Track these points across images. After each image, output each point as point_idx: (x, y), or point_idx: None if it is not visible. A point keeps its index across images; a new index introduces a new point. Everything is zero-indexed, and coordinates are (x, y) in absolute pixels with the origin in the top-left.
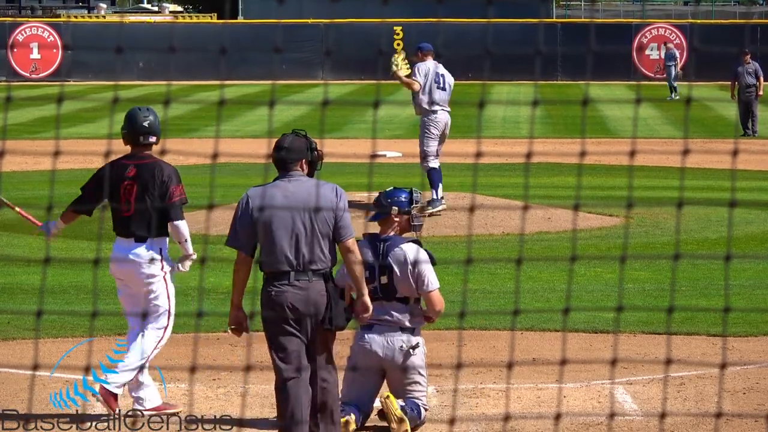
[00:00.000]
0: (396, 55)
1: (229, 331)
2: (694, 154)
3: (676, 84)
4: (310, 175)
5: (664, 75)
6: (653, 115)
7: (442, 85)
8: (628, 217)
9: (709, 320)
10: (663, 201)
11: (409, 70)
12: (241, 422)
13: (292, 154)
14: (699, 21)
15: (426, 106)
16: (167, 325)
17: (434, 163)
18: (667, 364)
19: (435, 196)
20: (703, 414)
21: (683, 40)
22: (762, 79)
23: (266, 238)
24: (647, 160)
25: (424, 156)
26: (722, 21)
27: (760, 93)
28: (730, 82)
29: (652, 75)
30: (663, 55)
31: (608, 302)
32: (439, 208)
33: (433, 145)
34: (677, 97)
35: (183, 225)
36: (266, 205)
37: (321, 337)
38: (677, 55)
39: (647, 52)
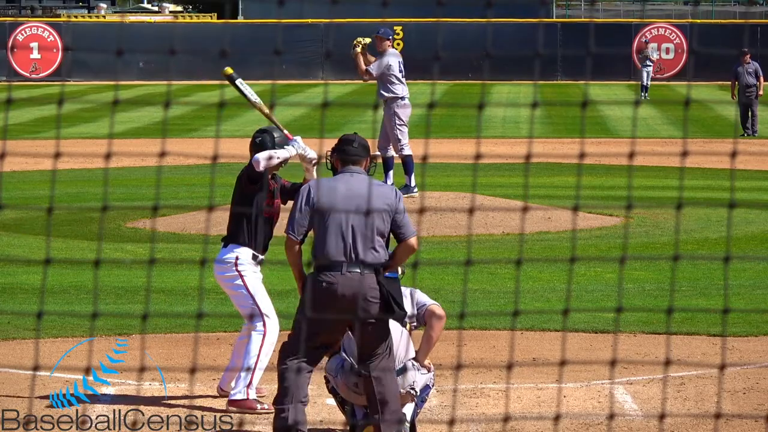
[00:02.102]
0: (360, 39)
1: None
2: (694, 154)
3: (648, 84)
4: None
5: (641, 69)
6: (653, 115)
7: (405, 74)
8: (628, 217)
9: (709, 320)
10: (663, 201)
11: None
12: (241, 422)
13: (361, 150)
14: (699, 21)
15: (394, 94)
16: (264, 330)
17: (409, 150)
18: (667, 364)
19: (409, 183)
20: (703, 414)
21: (683, 40)
22: (762, 79)
23: (323, 229)
24: (647, 160)
25: (400, 145)
26: (722, 21)
27: (760, 93)
28: (730, 83)
29: (653, 75)
30: (638, 57)
31: (608, 302)
32: (412, 194)
33: (406, 133)
34: (648, 98)
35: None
36: (328, 197)
37: (374, 330)
38: (653, 57)
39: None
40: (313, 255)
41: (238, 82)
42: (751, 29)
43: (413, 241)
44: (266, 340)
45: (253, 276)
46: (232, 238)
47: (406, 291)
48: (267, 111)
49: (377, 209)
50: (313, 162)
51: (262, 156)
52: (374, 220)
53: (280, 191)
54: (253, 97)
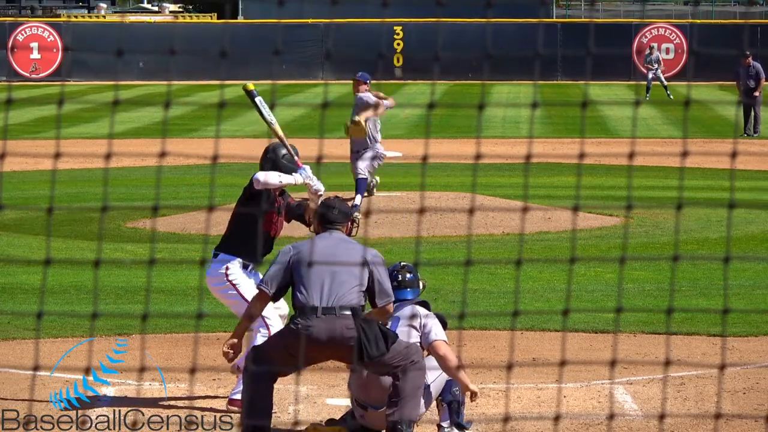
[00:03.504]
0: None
1: (223, 350)
2: (694, 154)
3: (652, 85)
4: None
5: (647, 72)
6: (653, 115)
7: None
8: (628, 217)
9: (709, 320)
10: (663, 201)
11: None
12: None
13: (340, 216)
14: (699, 21)
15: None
16: (268, 332)
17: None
18: (667, 364)
19: (357, 203)
20: (703, 414)
21: (683, 40)
22: (763, 80)
23: (299, 279)
24: (647, 160)
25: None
26: (722, 21)
27: (756, 94)
28: (734, 83)
29: (645, 73)
30: (646, 60)
31: (608, 302)
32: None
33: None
34: (648, 99)
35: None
36: (305, 252)
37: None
38: (660, 59)
39: (647, 52)
40: (293, 305)
41: (258, 99)
42: (751, 29)
43: (389, 307)
44: None
45: (246, 283)
46: (223, 247)
47: (422, 312)
48: (281, 134)
49: (353, 260)
50: (319, 193)
51: (263, 176)
52: (352, 272)
53: (285, 208)
54: (270, 117)
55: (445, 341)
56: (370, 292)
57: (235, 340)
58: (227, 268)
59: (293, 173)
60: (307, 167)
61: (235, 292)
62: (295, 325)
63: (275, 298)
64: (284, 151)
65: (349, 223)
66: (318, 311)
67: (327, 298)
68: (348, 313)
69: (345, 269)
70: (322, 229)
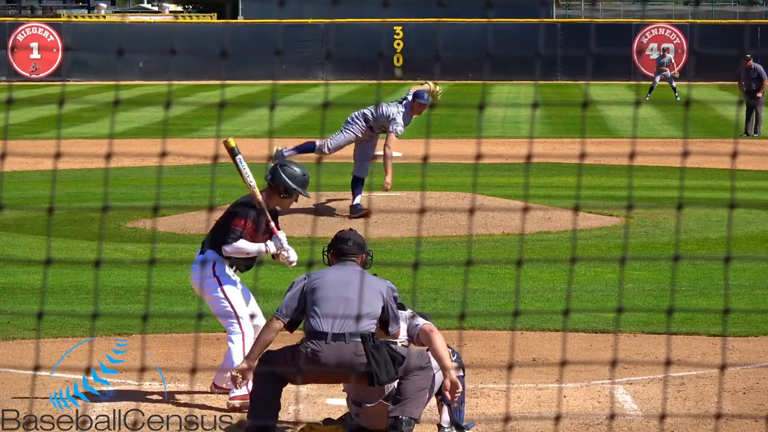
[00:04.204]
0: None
1: (231, 374)
2: (694, 154)
3: (656, 86)
4: None
5: (655, 74)
6: (653, 115)
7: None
8: (628, 217)
9: (709, 320)
10: (663, 201)
11: None
12: (241, 423)
13: (355, 248)
14: (699, 21)
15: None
16: (241, 330)
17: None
18: (667, 364)
19: (358, 202)
20: (703, 414)
21: (683, 40)
22: (765, 81)
23: (312, 305)
24: (647, 160)
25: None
26: (722, 21)
27: (759, 95)
28: (736, 84)
29: (653, 75)
30: (658, 62)
31: (608, 302)
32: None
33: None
34: (649, 99)
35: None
36: (319, 280)
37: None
38: (673, 62)
39: (647, 52)
40: (305, 331)
41: (239, 158)
42: (751, 29)
43: (398, 333)
44: (246, 338)
45: (230, 280)
46: (213, 244)
47: (406, 314)
48: (259, 198)
49: (367, 290)
50: (293, 265)
51: (232, 249)
52: (364, 299)
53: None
54: (249, 177)
55: (430, 324)
56: (383, 323)
57: (246, 366)
58: (215, 263)
59: (268, 241)
60: (282, 234)
61: (218, 287)
62: (304, 348)
63: (290, 328)
64: (297, 170)
65: (364, 255)
66: (328, 337)
67: (338, 325)
68: (358, 339)
69: (357, 298)
70: (337, 261)
